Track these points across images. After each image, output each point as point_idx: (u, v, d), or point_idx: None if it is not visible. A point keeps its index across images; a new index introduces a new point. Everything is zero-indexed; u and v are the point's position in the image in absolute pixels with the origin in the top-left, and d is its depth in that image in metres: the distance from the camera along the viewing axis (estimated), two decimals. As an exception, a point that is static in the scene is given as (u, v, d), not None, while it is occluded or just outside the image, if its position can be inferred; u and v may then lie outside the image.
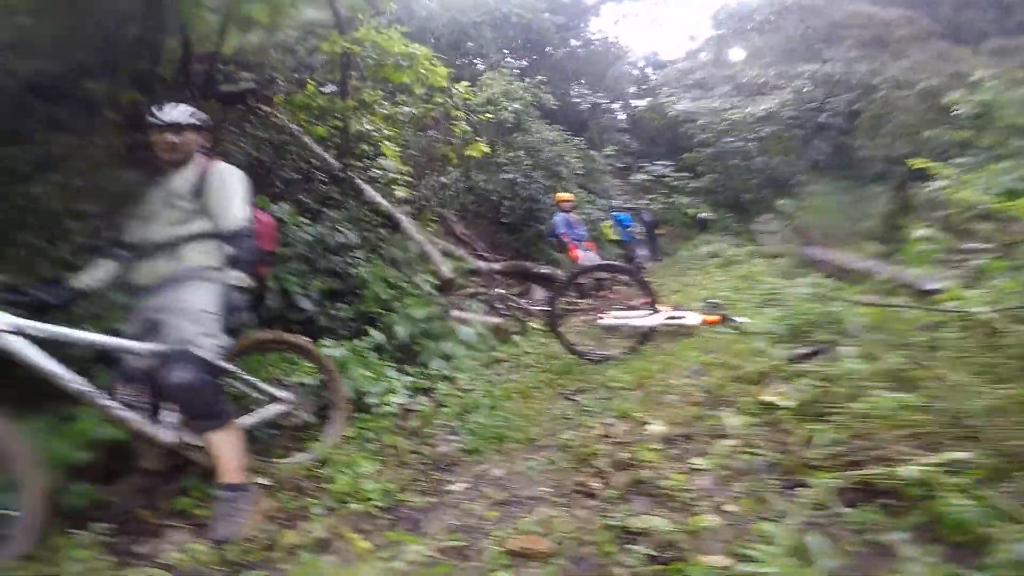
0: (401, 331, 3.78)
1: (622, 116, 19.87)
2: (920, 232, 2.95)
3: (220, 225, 2.23)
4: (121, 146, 3.50)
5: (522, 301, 6.61)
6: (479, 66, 13.75)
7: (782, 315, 3.17)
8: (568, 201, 7.47)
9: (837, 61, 14.97)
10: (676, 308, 4.37)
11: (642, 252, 10.53)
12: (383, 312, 3.87)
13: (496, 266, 7.76)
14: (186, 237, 2.22)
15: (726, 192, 15.01)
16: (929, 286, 3.41)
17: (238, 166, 2.45)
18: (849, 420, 1.81)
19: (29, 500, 1.80)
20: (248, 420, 2.47)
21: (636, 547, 1.54)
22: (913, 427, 1.68)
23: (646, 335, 4.07)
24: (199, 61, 4.72)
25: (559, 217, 7.18)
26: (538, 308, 6.21)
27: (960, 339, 2.18)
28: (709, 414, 2.29)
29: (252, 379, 2.55)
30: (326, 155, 5.11)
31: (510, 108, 9.92)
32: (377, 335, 3.65)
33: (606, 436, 2.35)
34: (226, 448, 2.10)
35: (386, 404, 3.20)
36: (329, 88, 5.44)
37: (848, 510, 1.45)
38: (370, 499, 2.21)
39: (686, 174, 15.70)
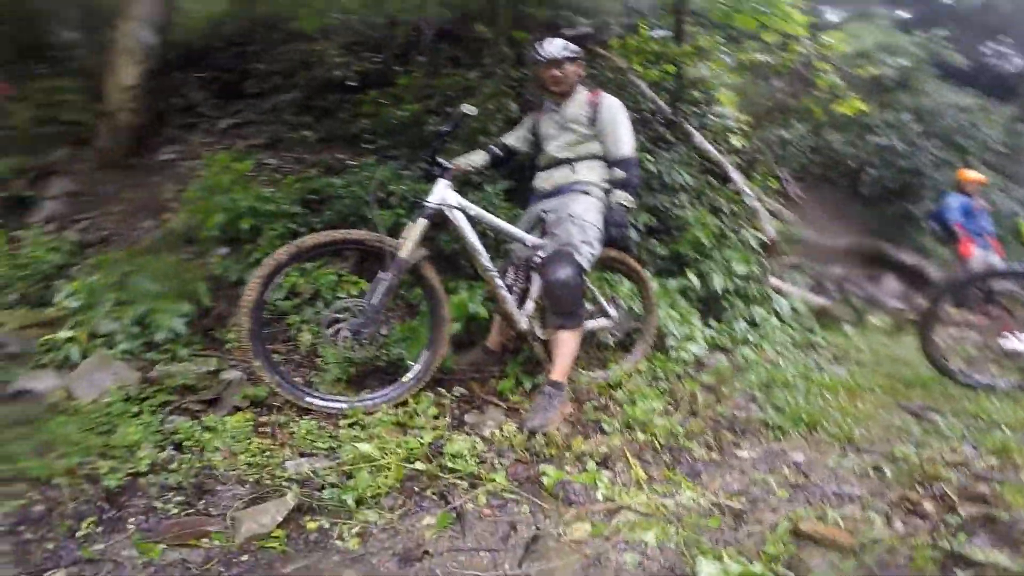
0: (717, 281, 3.57)
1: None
2: None
3: (612, 151, 2.50)
4: (512, 79, 4.13)
5: (868, 288, 5.41)
6: (828, 16, 11.07)
7: None
8: (976, 183, 5.37)
9: None
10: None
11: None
12: (698, 258, 3.71)
13: (837, 242, 6.51)
14: (580, 156, 2.55)
15: None
16: None
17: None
18: None
19: (429, 359, 2.30)
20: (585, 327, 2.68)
21: (963, 573, 1.37)
22: None
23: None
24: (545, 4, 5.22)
25: (956, 200, 5.18)
26: (894, 302, 5.00)
27: None
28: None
29: (594, 289, 2.78)
30: (657, 98, 5.05)
31: (892, 63, 7.84)
32: (693, 278, 3.54)
33: (962, 465, 2.03)
34: (568, 348, 2.36)
35: (684, 350, 3.12)
36: (659, 33, 5.28)
37: None
38: (655, 434, 2.22)
39: None
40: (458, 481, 1.79)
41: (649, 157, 4.00)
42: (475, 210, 2.38)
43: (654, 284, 3.18)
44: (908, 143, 7.50)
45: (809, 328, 4.11)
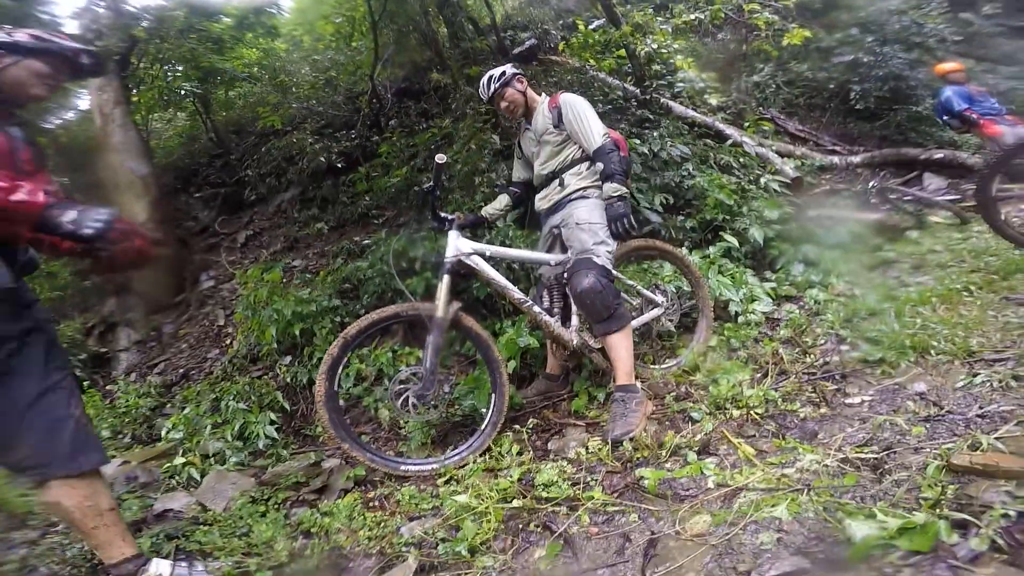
0: (756, 233, 3.43)
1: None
2: None
3: (586, 148, 2.48)
4: (483, 114, 4.25)
5: (914, 191, 5.15)
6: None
7: None
8: (957, 71, 5.33)
9: None
10: None
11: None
12: (729, 218, 3.59)
13: (856, 159, 6.30)
14: (565, 166, 2.54)
15: None
16: None
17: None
18: None
19: (498, 402, 2.33)
20: (634, 323, 2.64)
21: None
22: None
23: None
24: (488, 33, 5.40)
25: (953, 91, 5.16)
26: (944, 198, 4.74)
27: None
28: None
29: (633, 283, 2.73)
30: (624, 84, 5.10)
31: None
32: (730, 239, 3.43)
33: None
34: (622, 350, 2.31)
35: (750, 312, 2.98)
36: (596, 23, 5.35)
37: None
38: (750, 406, 2.09)
39: None
40: (556, 508, 1.76)
41: (637, 140, 3.97)
42: (492, 249, 2.39)
43: (692, 257, 3.10)
44: (871, 53, 7.45)
45: (875, 246, 3.89)
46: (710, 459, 1.83)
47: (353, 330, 2.18)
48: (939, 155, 6.26)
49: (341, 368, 2.22)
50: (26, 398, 1.41)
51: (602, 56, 5.15)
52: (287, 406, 3.03)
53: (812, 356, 2.45)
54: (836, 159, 6.26)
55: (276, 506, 2.21)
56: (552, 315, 2.50)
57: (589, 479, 1.90)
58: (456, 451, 2.29)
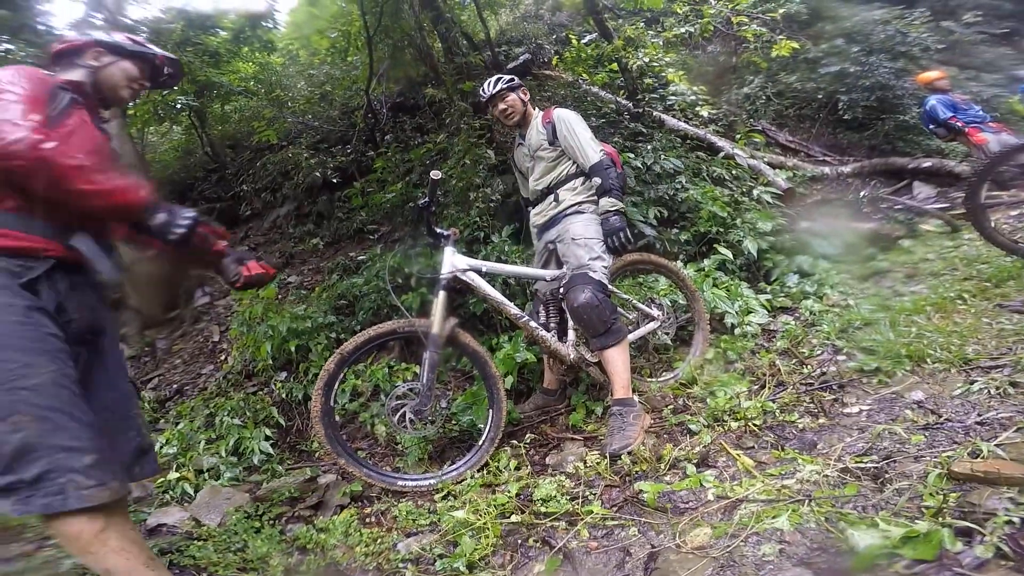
0: (750, 245, 3.46)
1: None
2: None
3: (581, 163, 2.49)
4: (478, 129, 4.29)
5: (905, 200, 5.22)
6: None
7: None
8: (941, 79, 5.42)
9: None
10: None
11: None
12: (723, 230, 3.62)
13: (846, 169, 6.40)
14: (559, 182, 2.55)
15: None
16: None
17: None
18: None
19: (495, 417, 2.32)
20: (630, 337, 2.63)
21: None
22: None
23: None
24: (483, 48, 5.47)
25: (937, 99, 5.23)
26: (934, 206, 4.81)
27: None
28: None
29: (629, 298, 2.74)
30: (616, 97, 5.18)
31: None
32: (724, 251, 3.45)
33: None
34: (619, 364, 2.30)
35: (745, 324, 2.99)
36: (589, 38, 5.45)
37: None
38: (748, 418, 2.09)
39: None
40: (555, 523, 1.74)
41: (631, 154, 4.01)
42: (487, 265, 2.38)
43: (686, 270, 3.12)
44: (858, 63, 7.59)
45: (868, 256, 3.93)
46: (709, 471, 1.83)
47: (349, 346, 2.17)
48: (927, 164, 6.37)
49: (337, 384, 2.20)
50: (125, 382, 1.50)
51: (595, 70, 5.24)
52: (282, 421, 3.01)
53: (809, 367, 2.46)
54: (827, 169, 6.35)
55: (271, 522, 2.19)
56: (549, 330, 2.50)
57: (588, 493, 1.88)
58: (454, 466, 2.28)
